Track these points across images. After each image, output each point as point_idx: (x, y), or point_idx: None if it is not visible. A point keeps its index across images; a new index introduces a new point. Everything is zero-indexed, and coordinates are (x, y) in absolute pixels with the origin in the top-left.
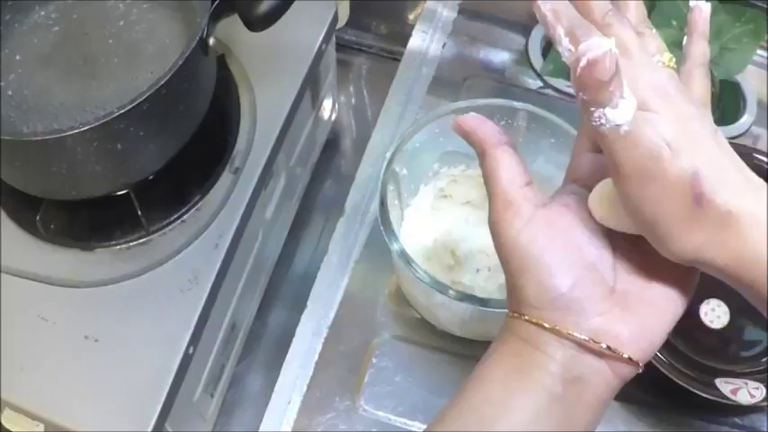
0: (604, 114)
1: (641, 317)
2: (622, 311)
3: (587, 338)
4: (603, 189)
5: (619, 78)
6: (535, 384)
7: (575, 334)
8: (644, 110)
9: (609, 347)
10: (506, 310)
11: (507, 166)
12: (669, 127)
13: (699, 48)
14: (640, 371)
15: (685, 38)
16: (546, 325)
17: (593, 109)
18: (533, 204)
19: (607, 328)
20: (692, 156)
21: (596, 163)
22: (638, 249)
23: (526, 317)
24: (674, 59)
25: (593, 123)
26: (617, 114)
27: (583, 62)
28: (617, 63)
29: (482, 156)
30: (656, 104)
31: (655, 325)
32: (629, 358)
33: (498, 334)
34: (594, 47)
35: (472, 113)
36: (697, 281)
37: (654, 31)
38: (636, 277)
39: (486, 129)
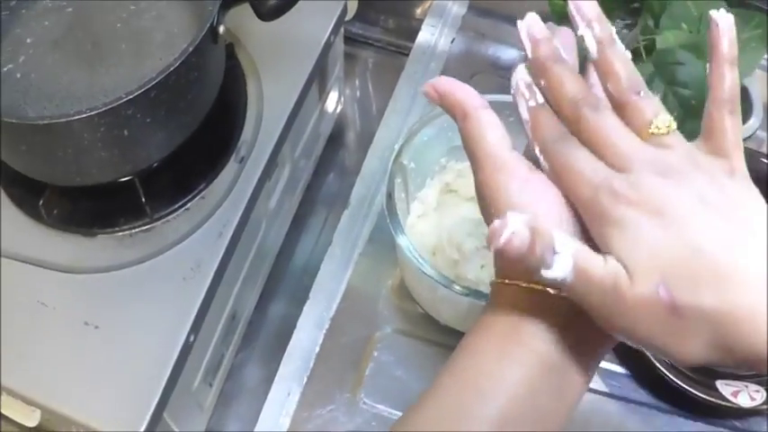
0: (543, 277)
1: None
2: None
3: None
4: None
5: (542, 244)
6: (533, 354)
7: None
8: (606, 223)
9: None
10: None
11: (494, 128)
12: (627, 242)
13: (720, 79)
14: None
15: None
16: (540, 288)
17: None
18: (525, 167)
19: None
20: (653, 271)
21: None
22: None
23: (523, 283)
24: (673, 123)
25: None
26: (555, 272)
27: (496, 245)
28: (532, 232)
29: (463, 118)
30: (617, 213)
31: None
32: None
33: (489, 302)
34: (507, 224)
35: (442, 76)
36: None
37: (643, 94)
38: None
39: (466, 91)
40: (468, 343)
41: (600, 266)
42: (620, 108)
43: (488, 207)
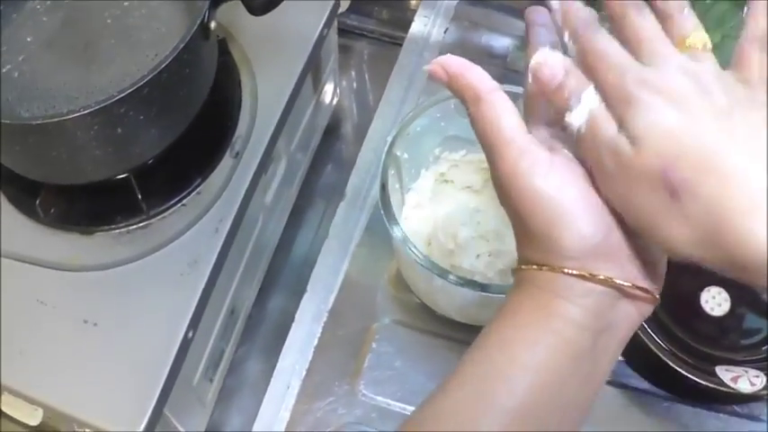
0: (564, 119)
1: (654, 250)
2: (645, 248)
3: (628, 284)
4: None
5: (569, 86)
6: (565, 342)
7: (617, 281)
8: (628, 104)
9: (646, 290)
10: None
11: (510, 112)
12: (642, 121)
13: (756, 18)
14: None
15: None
16: (587, 275)
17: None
18: (547, 149)
19: (639, 269)
20: (661, 149)
21: None
22: None
23: (565, 269)
24: (709, 43)
25: (566, 129)
26: (573, 118)
27: (529, 77)
28: (563, 73)
29: (475, 102)
30: (640, 96)
31: (661, 254)
32: (655, 296)
33: (516, 288)
34: (541, 59)
35: (449, 54)
36: None
37: (686, 11)
38: None
39: (477, 73)
40: (494, 331)
41: (613, 129)
42: (662, 20)
43: (509, 195)
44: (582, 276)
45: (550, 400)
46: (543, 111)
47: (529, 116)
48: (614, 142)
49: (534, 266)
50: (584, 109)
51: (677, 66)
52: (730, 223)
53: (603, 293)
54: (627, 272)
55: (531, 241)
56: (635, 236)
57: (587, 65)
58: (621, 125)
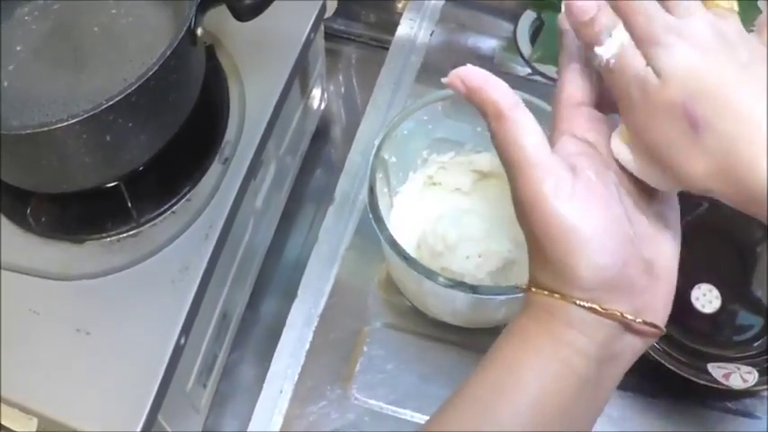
0: (594, 52)
1: (664, 283)
2: (656, 281)
3: (638, 319)
4: (623, 132)
5: (603, 19)
6: (571, 371)
7: (627, 316)
8: (657, 44)
9: (654, 325)
10: (497, 297)
11: (533, 130)
12: (668, 59)
13: None
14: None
15: None
16: (598, 308)
17: (587, 49)
18: (568, 172)
19: (648, 303)
20: (686, 84)
21: (590, 113)
22: (639, 204)
23: (576, 300)
24: (736, 6)
25: (594, 62)
26: (603, 50)
27: (564, 9)
28: (595, 8)
29: (497, 118)
30: (667, 39)
31: (672, 285)
32: (662, 329)
33: (526, 309)
34: None
35: (469, 65)
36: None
37: None
38: (645, 231)
39: (499, 87)
40: (503, 352)
41: (641, 64)
42: None
43: (529, 217)
44: (593, 309)
45: (553, 424)
46: (575, 50)
47: (562, 70)
48: (642, 74)
49: (546, 292)
50: (615, 42)
51: (704, 20)
52: (745, 159)
53: (612, 326)
54: (637, 305)
55: (546, 265)
56: (649, 268)
57: (618, 8)
58: (648, 62)
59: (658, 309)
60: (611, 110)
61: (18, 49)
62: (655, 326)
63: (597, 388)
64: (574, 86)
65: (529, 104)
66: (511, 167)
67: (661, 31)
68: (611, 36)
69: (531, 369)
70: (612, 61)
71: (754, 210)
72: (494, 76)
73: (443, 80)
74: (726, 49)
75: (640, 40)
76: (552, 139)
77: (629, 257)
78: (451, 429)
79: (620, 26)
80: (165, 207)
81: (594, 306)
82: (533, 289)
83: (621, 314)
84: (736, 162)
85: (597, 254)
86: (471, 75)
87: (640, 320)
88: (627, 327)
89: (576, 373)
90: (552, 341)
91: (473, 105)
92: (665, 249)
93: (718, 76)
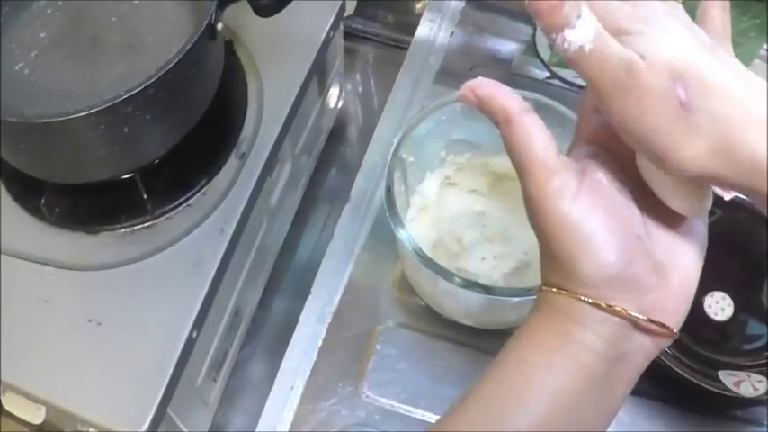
0: (566, 38)
1: (678, 285)
2: (667, 283)
3: (643, 317)
4: None
5: (569, 4)
6: (580, 367)
7: (632, 313)
8: (626, 35)
9: (662, 324)
10: (511, 299)
11: (540, 134)
12: (648, 45)
13: None
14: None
15: None
16: (602, 304)
17: (554, 36)
18: (575, 173)
19: (657, 303)
20: (671, 65)
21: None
22: (660, 211)
23: (581, 296)
24: None
25: (560, 50)
26: (577, 35)
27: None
28: None
29: (507, 124)
30: (641, 28)
31: (689, 291)
32: (673, 330)
33: (537, 308)
34: None
35: (480, 77)
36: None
37: None
38: (663, 237)
39: (508, 95)
40: (514, 351)
41: (619, 48)
42: None
43: (536, 216)
44: (597, 305)
45: (564, 422)
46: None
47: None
48: (628, 56)
49: (554, 289)
50: (590, 25)
51: (662, 10)
52: (739, 133)
53: (619, 324)
54: (645, 304)
55: (553, 263)
56: (659, 269)
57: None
58: (629, 46)
59: (668, 310)
60: None
61: (36, 40)
62: (664, 326)
63: (609, 388)
64: None
65: (547, 108)
66: (520, 169)
67: (631, 22)
68: (581, 17)
69: (540, 366)
70: (589, 47)
71: (753, 183)
72: (503, 86)
73: (456, 94)
74: (691, 34)
75: (611, 32)
76: (572, 144)
77: (634, 256)
78: (462, 428)
79: (589, 12)
80: (181, 200)
81: (599, 302)
82: (543, 287)
83: (626, 311)
84: (734, 137)
85: (601, 251)
86: (482, 86)
87: (646, 318)
88: (636, 326)
89: (585, 369)
90: (561, 338)
91: (486, 115)
92: (684, 255)
93: (698, 57)
